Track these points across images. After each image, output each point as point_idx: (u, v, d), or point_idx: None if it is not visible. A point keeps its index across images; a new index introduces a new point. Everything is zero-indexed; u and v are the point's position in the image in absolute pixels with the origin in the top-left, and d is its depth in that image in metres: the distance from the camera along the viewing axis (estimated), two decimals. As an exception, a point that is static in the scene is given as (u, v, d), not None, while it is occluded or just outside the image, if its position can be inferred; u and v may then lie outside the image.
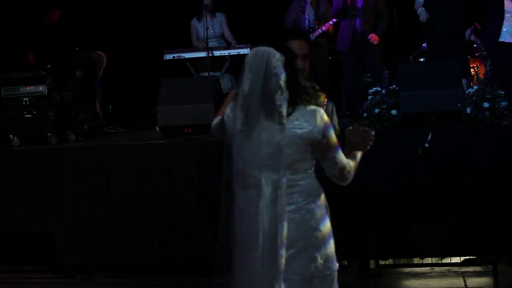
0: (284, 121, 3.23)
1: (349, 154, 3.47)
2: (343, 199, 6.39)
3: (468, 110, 6.54)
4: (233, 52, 9.15)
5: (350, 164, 3.41)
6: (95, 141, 7.85)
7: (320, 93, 3.79)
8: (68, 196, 6.91)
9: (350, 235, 6.26)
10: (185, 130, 6.78)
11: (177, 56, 9.22)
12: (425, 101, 6.55)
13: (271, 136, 3.23)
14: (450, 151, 6.41)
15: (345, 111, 9.46)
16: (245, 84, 3.24)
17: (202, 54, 9.15)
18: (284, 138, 3.25)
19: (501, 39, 8.57)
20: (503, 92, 6.76)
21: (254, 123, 3.23)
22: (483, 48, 9.76)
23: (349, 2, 8.60)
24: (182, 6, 10.27)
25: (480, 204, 6.35)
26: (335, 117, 3.99)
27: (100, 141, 7.76)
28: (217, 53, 9.13)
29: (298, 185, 3.34)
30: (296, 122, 3.29)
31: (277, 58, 3.22)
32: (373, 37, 8.57)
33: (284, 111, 3.22)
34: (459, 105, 6.49)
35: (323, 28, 8.89)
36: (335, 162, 3.36)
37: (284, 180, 3.25)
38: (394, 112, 6.63)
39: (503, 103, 6.65)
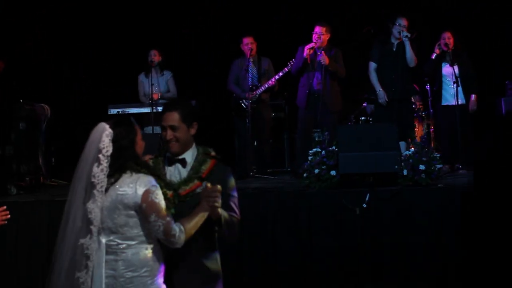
0: (98, 190, 3.60)
1: (190, 214, 3.74)
2: (282, 257, 6.56)
3: (405, 172, 6.77)
4: (176, 108, 9.23)
5: (180, 227, 3.63)
6: (36, 195, 7.79)
7: (208, 159, 4.03)
8: (7, 252, 6.80)
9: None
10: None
11: (121, 111, 9.27)
12: (364, 162, 6.74)
13: (96, 202, 3.61)
14: (388, 211, 6.58)
15: (287, 168, 9.62)
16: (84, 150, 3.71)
17: (147, 109, 9.25)
18: (108, 204, 3.62)
19: (443, 103, 8.92)
20: (438, 155, 7.04)
21: (87, 191, 3.63)
22: (421, 109, 10.08)
23: (309, 61, 8.78)
24: (132, 61, 10.39)
25: (417, 263, 6.50)
26: (229, 183, 4.06)
27: (41, 195, 7.70)
28: (161, 109, 9.18)
29: (121, 254, 3.66)
30: (120, 190, 3.63)
31: (105, 133, 3.68)
32: (324, 57, 8.58)
33: (97, 181, 3.60)
34: (396, 167, 6.70)
35: (266, 85, 9.11)
36: (156, 226, 3.61)
37: (109, 242, 3.64)
38: (333, 172, 6.81)
39: (439, 166, 6.90)
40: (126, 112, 9.28)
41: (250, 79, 9.25)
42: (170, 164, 4.04)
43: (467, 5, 10.64)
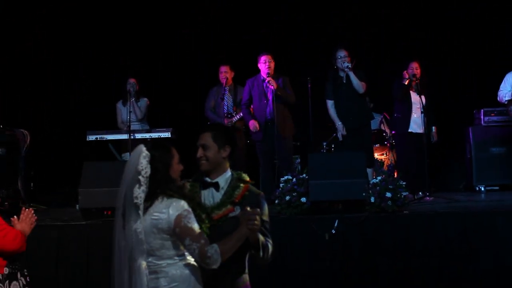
0: (141, 211, 3.72)
1: (229, 236, 3.82)
2: (252, 281, 6.72)
3: (372, 199, 6.97)
4: (154, 135, 9.46)
5: (216, 249, 3.73)
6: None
7: (241, 184, 4.12)
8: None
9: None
10: (105, 212, 6.96)
11: (99, 138, 9.45)
12: (333, 190, 6.92)
13: (132, 226, 3.73)
14: (355, 237, 6.77)
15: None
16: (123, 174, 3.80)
17: (124, 136, 9.44)
18: (145, 227, 3.73)
19: (410, 130, 9.19)
20: (404, 183, 7.24)
21: (127, 214, 3.75)
22: (391, 137, 10.33)
23: (257, 93, 9.01)
24: (110, 88, 10.55)
25: (384, 286, 6.70)
26: (262, 208, 4.11)
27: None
28: (138, 135, 9.42)
29: (162, 271, 3.78)
30: (154, 214, 3.75)
31: (143, 155, 3.78)
32: (272, 81, 8.71)
33: (140, 202, 3.72)
34: (363, 194, 6.91)
35: (241, 114, 9.34)
36: (191, 249, 3.74)
37: (143, 264, 3.74)
38: (303, 199, 7.00)
39: (404, 193, 7.12)
40: (104, 139, 9.46)
41: (225, 107, 9.49)
42: (204, 188, 4.12)
43: (467, 5, 10.82)
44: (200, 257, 3.73)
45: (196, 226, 3.76)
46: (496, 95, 9.31)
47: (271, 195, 7.54)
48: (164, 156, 3.87)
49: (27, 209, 4.64)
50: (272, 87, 8.70)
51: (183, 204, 3.78)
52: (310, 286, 6.75)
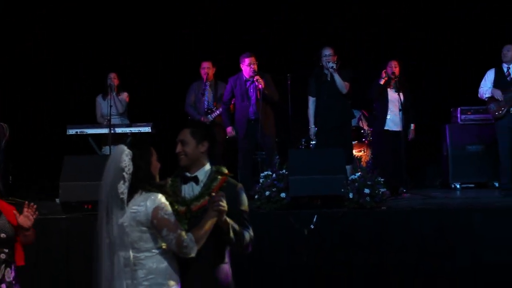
0: (126, 206, 3.91)
1: (199, 223, 4.00)
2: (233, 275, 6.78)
3: (351, 195, 7.06)
4: (134, 129, 9.48)
5: (191, 238, 3.91)
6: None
7: (219, 176, 4.25)
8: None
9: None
10: (85, 206, 6.98)
11: (79, 132, 9.45)
12: (312, 185, 7.01)
13: (117, 219, 3.91)
14: (334, 232, 6.85)
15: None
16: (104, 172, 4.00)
17: (104, 130, 9.44)
18: (125, 220, 3.91)
19: (386, 128, 9.30)
20: (382, 179, 7.35)
21: (111, 209, 3.93)
22: (369, 134, 10.45)
23: (239, 92, 9.08)
24: (89, 82, 10.55)
25: (361, 280, 6.80)
26: (240, 199, 4.28)
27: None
28: (119, 130, 9.44)
29: (140, 264, 3.94)
30: (133, 208, 3.93)
31: (125, 153, 3.97)
32: (260, 80, 8.79)
33: (125, 197, 3.91)
34: (342, 190, 7.00)
35: (221, 109, 9.40)
36: (169, 239, 3.91)
37: (128, 256, 3.91)
38: (283, 195, 7.08)
39: (382, 190, 7.22)
40: (85, 133, 9.46)
41: (206, 103, 9.53)
42: (185, 182, 4.26)
43: (467, 5, 10.93)
44: (177, 247, 3.89)
45: (172, 218, 3.93)
46: (475, 93, 9.40)
47: (250, 190, 7.63)
48: (145, 154, 4.06)
49: (30, 204, 4.66)
50: (261, 86, 8.77)
51: (160, 197, 3.96)
52: (288, 280, 6.83)
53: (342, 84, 8.66)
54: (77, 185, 7.02)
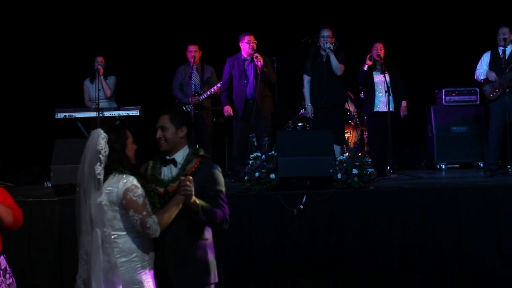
0: (102, 186, 4.20)
1: (165, 206, 4.32)
2: (223, 254, 6.86)
3: (339, 175, 7.16)
4: (123, 113, 9.55)
5: (154, 220, 4.22)
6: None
7: (195, 158, 4.53)
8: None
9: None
10: (77, 189, 7.00)
11: (68, 115, 9.52)
12: (301, 166, 7.04)
13: (95, 198, 4.21)
14: (323, 212, 6.94)
15: (227, 171, 9.97)
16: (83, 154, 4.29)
17: (93, 114, 9.51)
18: (103, 199, 4.21)
19: (375, 109, 9.42)
20: (370, 160, 7.47)
21: (89, 189, 4.25)
22: (356, 116, 10.56)
23: (237, 72, 9.17)
24: (77, 66, 10.55)
25: (349, 259, 6.91)
26: (214, 178, 4.55)
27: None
28: (107, 113, 9.50)
29: (114, 242, 4.24)
30: (107, 188, 4.23)
31: (101, 137, 4.27)
32: (259, 57, 8.91)
33: (101, 178, 4.18)
34: (331, 170, 7.05)
35: (208, 92, 9.48)
36: (134, 220, 4.22)
37: (105, 233, 4.22)
38: (272, 176, 7.14)
39: (370, 170, 7.33)
40: (73, 117, 9.54)
41: (193, 86, 9.59)
42: (164, 165, 4.54)
43: None
44: (142, 227, 4.22)
45: (141, 200, 4.25)
46: (459, 75, 9.53)
47: (241, 172, 7.71)
48: (120, 138, 4.36)
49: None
50: (260, 63, 8.87)
51: (132, 179, 4.29)
52: (278, 259, 6.91)
53: (337, 66, 8.73)
54: (69, 168, 7.04)
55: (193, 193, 4.25)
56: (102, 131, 4.31)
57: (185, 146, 4.59)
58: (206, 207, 4.37)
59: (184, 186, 4.23)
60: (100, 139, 4.26)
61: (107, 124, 9.30)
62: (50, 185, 7.98)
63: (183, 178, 4.26)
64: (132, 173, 4.33)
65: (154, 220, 4.21)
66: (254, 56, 8.95)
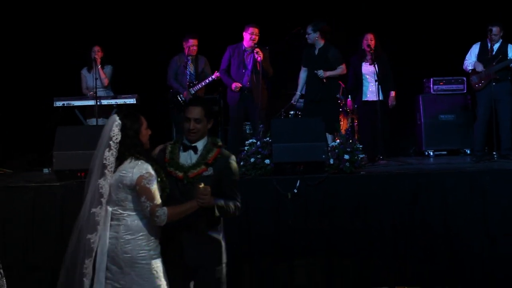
0: (108, 170, 4.42)
1: (181, 204, 4.53)
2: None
3: (331, 161, 7.37)
4: (120, 101, 9.74)
5: (164, 211, 4.42)
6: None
7: (215, 148, 4.78)
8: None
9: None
10: (79, 174, 7.20)
11: (66, 104, 9.69)
12: (295, 152, 7.26)
13: (96, 180, 4.43)
14: (316, 196, 7.12)
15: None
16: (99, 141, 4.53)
17: (91, 102, 9.69)
18: (113, 181, 4.42)
19: (364, 99, 9.65)
20: (361, 146, 7.68)
21: (96, 172, 4.45)
22: (346, 104, 10.75)
23: (236, 60, 9.38)
24: (74, 55, 10.66)
25: (341, 242, 7.10)
26: (231, 169, 4.82)
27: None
28: (104, 102, 9.69)
29: (123, 220, 4.47)
30: (122, 171, 4.44)
31: (115, 124, 4.47)
32: (260, 52, 9.11)
33: (108, 163, 4.41)
34: (323, 156, 7.26)
35: (203, 83, 9.70)
36: (145, 206, 4.43)
37: (114, 211, 4.46)
38: (267, 161, 7.35)
39: (361, 155, 7.55)
40: (71, 105, 9.70)
41: (188, 76, 9.78)
42: (184, 150, 4.76)
43: None
44: (150, 214, 4.42)
45: (153, 188, 4.43)
46: (447, 64, 9.74)
47: (239, 155, 7.92)
48: (134, 124, 4.53)
49: None
50: (260, 58, 9.06)
51: (147, 166, 4.46)
52: (273, 242, 7.10)
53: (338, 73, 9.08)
54: (71, 154, 7.22)
55: (209, 203, 4.52)
56: (117, 118, 4.51)
57: (206, 136, 4.82)
58: (221, 205, 4.65)
59: (203, 197, 4.46)
60: (114, 126, 4.47)
61: (104, 112, 9.59)
62: (48, 171, 8.20)
63: (202, 187, 4.47)
64: (147, 159, 4.52)
65: (164, 212, 4.41)
66: (254, 51, 9.12)
